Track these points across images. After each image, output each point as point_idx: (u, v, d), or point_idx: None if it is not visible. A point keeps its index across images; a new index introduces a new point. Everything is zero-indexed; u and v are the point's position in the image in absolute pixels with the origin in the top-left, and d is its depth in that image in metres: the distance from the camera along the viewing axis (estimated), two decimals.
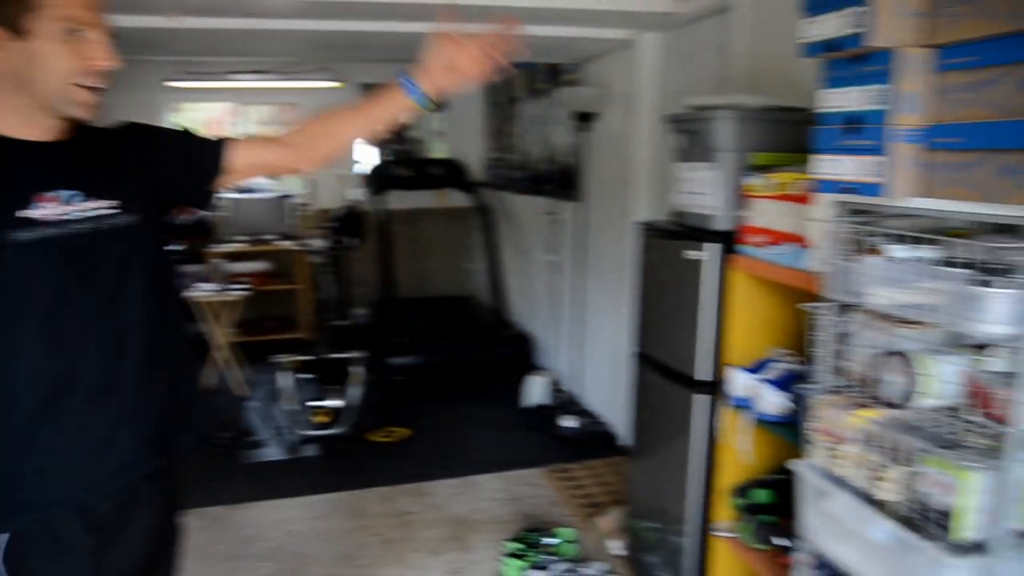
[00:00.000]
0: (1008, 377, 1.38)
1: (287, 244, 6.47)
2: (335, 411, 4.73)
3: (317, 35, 3.61)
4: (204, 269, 5.88)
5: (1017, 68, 1.24)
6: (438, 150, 7.62)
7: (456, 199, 7.04)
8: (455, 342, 5.77)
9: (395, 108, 1.60)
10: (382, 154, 7.90)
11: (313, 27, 3.59)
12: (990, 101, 1.29)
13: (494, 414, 5.18)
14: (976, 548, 1.44)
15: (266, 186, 7.58)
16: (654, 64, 3.93)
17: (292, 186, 7.25)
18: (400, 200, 6.81)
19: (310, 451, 4.49)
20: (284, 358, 4.82)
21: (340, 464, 4.35)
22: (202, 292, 5.24)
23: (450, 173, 6.43)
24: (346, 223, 5.58)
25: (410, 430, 4.83)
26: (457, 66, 1.55)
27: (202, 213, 6.76)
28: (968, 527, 1.42)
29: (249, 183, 7.52)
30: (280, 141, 1.67)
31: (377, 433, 4.76)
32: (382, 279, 5.82)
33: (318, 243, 5.20)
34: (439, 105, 1.56)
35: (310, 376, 5.30)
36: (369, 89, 6.93)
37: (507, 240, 6.60)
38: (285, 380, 4.69)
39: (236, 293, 5.31)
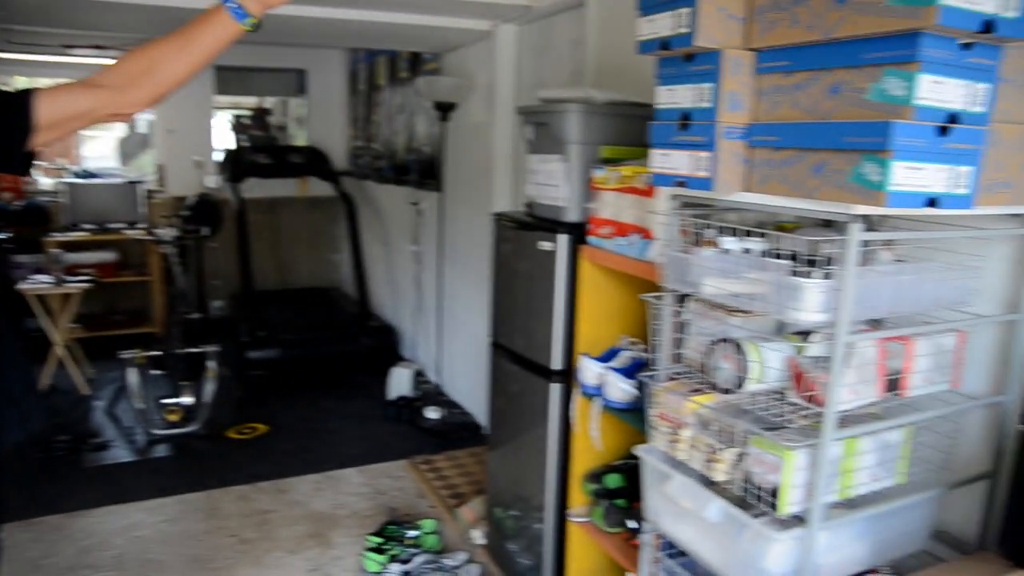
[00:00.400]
0: (824, 362, 1.48)
1: (136, 233, 6.11)
2: (188, 408, 4.52)
3: (160, 11, 3.39)
4: (40, 259, 5.47)
5: (824, 73, 1.33)
6: (299, 137, 7.41)
7: (318, 188, 6.87)
8: (317, 334, 5.64)
9: (216, 30, 1.46)
10: (239, 140, 7.61)
11: (156, 2, 3.37)
12: (802, 103, 1.37)
13: (358, 407, 5.11)
14: (798, 521, 1.55)
15: (114, 171, 7.16)
16: (512, 56, 3.96)
17: (143, 172, 6.87)
18: (260, 188, 6.57)
19: (161, 451, 4.28)
20: (133, 354, 4.56)
21: (194, 464, 4.16)
22: (37, 284, 4.87)
23: (311, 161, 6.25)
24: (200, 211, 5.31)
25: (269, 426, 4.69)
26: None
27: (38, 199, 6.30)
28: (791, 502, 1.52)
29: (95, 168, 7.13)
30: (94, 83, 1.48)
31: (235, 430, 4.59)
32: (240, 270, 5.61)
33: (169, 232, 4.92)
34: (259, 24, 1.45)
35: (162, 372, 5.06)
36: (223, 72, 6.67)
37: (371, 230, 6.50)
38: (134, 377, 4.44)
39: (76, 285, 4.96)
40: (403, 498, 3.84)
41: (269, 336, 5.39)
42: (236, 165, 5.91)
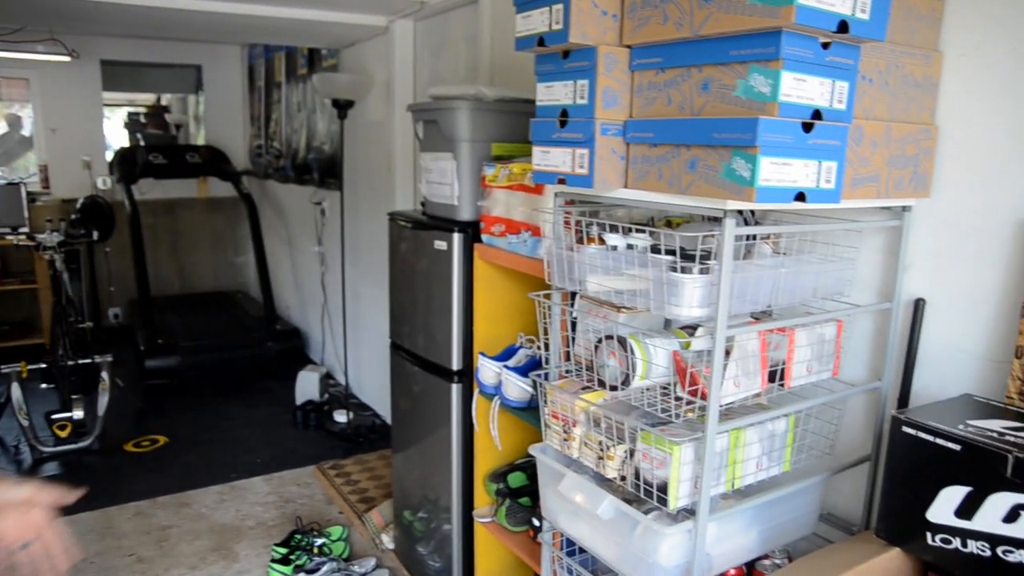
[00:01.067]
0: (708, 356, 1.49)
1: (18, 238, 5.77)
2: (80, 423, 4.31)
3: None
4: None
5: (695, 70, 1.34)
6: (197, 136, 7.16)
7: (219, 188, 6.67)
8: (221, 340, 5.47)
9: None
10: (135, 138, 7.30)
11: None
12: (675, 100, 1.38)
13: (264, 414, 4.97)
14: (687, 514, 1.56)
15: None
16: (408, 52, 3.91)
17: (24, 173, 6.50)
18: (157, 189, 6.33)
19: (50, 470, 4.06)
20: (16, 367, 4.30)
21: (87, 481, 3.95)
22: None
23: (210, 160, 6.05)
24: (90, 215, 5.05)
25: (169, 437, 4.52)
26: None
27: None
28: (680, 496, 1.53)
29: None
30: None
31: (132, 443, 4.40)
32: (136, 275, 5.37)
33: (54, 237, 4.66)
34: None
35: (50, 386, 4.80)
36: (110, 67, 6.36)
37: (274, 231, 6.34)
38: (18, 391, 4.19)
39: None
40: (311, 505, 3.75)
41: (169, 343, 5.20)
42: (129, 165, 5.67)
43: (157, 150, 5.97)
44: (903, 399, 1.77)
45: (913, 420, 1.45)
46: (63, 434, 4.24)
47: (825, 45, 1.25)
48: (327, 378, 5.19)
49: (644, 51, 1.42)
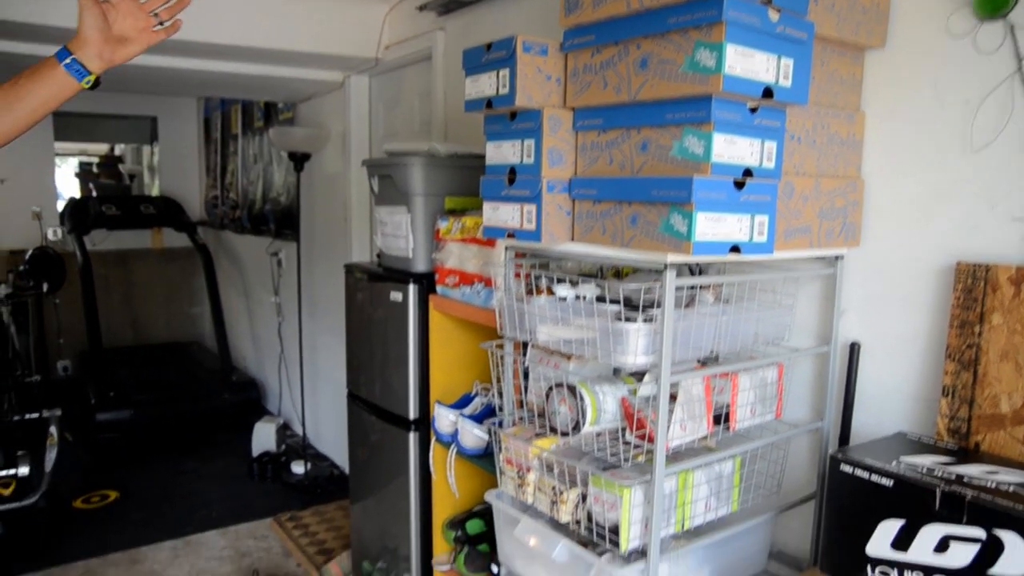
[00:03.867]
0: (655, 401, 1.56)
1: None
2: (24, 480, 4.19)
3: None
4: None
5: (634, 132, 1.42)
6: (155, 186, 7.13)
7: (173, 239, 6.63)
8: (175, 392, 5.39)
9: (51, 87, 1.30)
10: (88, 189, 7.24)
11: None
12: (616, 159, 1.46)
13: (220, 466, 4.90)
14: (639, 555, 1.61)
15: None
16: (364, 107, 3.99)
17: None
18: (111, 240, 6.27)
19: None
20: None
21: (31, 541, 3.85)
22: None
23: (164, 211, 6.02)
24: (39, 266, 4.99)
25: (120, 492, 4.43)
26: (116, 30, 1.33)
27: None
28: (631, 538, 1.57)
29: None
30: None
31: (81, 499, 4.29)
32: (87, 327, 5.29)
33: (2, 290, 4.59)
34: (99, 81, 1.32)
35: None
36: (62, 117, 6.32)
37: (230, 282, 6.31)
38: None
39: None
40: (268, 558, 3.70)
41: (120, 396, 5.11)
42: (81, 216, 5.62)
43: (110, 201, 5.93)
44: (844, 437, 1.85)
45: (850, 458, 1.52)
46: (7, 492, 4.12)
47: (753, 109, 1.35)
48: (284, 429, 5.14)
49: (586, 113, 1.51)
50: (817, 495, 1.91)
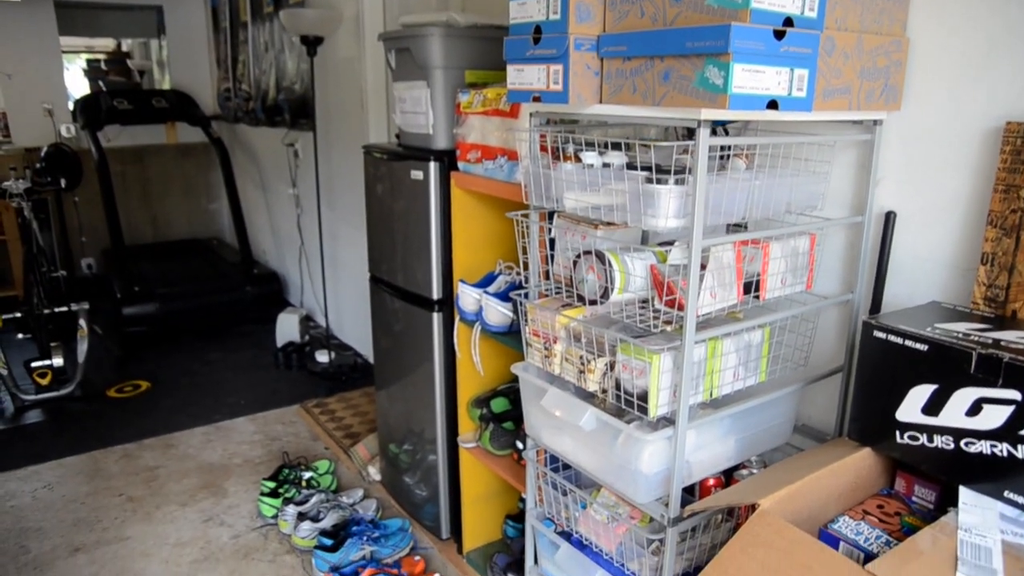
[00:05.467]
0: (683, 270, 1.53)
1: None
2: (60, 370, 4.30)
3: None
4: None
5: None
6: (162, 82, 7.00)
7: (188, 134, 6.56)
8: (197, 286, 5.45)
9: None
10: (95, 85, 7.12)
11: None
12: (647, 11, 1.38)
13: (246, 357, 4.99)
14: (667, 422, 1.61)
15: None
16: None
17: None
18: (125, 137, 6.22)
19: (33, 417, 4.06)
20: None
21: (72, 426, 3.97)
22: None
23: (176, 105, 5.93)
24: (55, 163, 4.96)
25: (152, 382, 4.54)
26: None
27: None
28: (660, 405, 1.57)
29: None
30: None
31: (114, 389, 4.41)
32: (108, 224, 5.30)
33: (21, 184, 4.57)
34: None
35: (27, 335, 4.78)
36: (65, 9, 6.15)
37: (247, 176, 6.27)
38: None
39: None
40: (297, 442, 3.80)
41: (145, 291, 5.17)
42: (93, 111, 5.55)
43: (122, 95, 5.83)
44: (875, 309, 1.82)
45: (883, 324, 1.50)
46: (44, 382, 4.24)
47: None
48: (307, 320, 5.20)
49: None
50: (844, 368, 1.90)
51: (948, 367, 1.39)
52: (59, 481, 3.43)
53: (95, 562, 2.84)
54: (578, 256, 1.64)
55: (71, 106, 6.21)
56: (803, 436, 2.03)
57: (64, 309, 4.41)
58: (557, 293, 1.80)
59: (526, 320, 1.82)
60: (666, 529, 1.63)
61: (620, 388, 1.61)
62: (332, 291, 5.03)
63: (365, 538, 2.78)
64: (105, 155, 5.28)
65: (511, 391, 2.59)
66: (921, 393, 1.45)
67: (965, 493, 1.40)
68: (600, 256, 1.58)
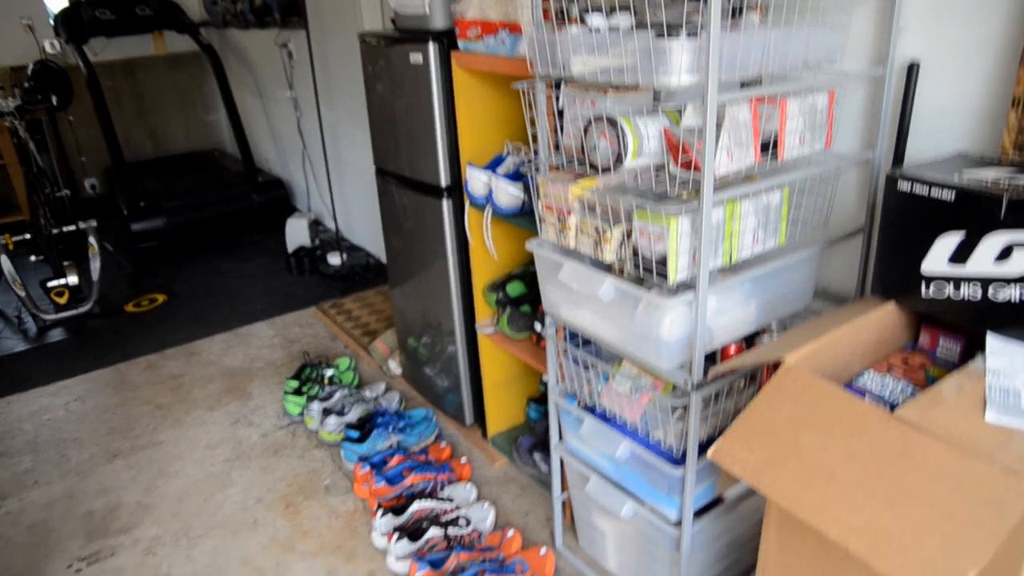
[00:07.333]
0: (698, 134, 1.47)
1: None
2: (76, 288, 4.32)
3: None
4: None
5: None
6: None
7: (177, 43, 6.36)
8: (203, 198, 5.40)
9: None
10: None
11: None
12: None
13: (257, 265, 5.00)
14: (686, 287, 1.59)
15: None
16: None
17: None
18: (112, 50, 6.04)
19: (56, 335, 4.10)
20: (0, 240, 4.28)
21: (94, 342, 4.02)
22: None
23: (161, 12, 5.72)
24: (44, 80, 4.84)
25: (168, 295, 4.56)
26: None
27: None
28: (680, 269, 1.55)
29: None
30: None
31: (132, 304, 4.44)
32: (106, 141, 5.21)
33: (11, 103, 4.47)
34: None
35: (39, 257, 4.79)
36: None
37: (242, 83, 6.11)
38: (7, 264, 4.17)
39: None
40: (316, 343, 3.84)
41: (151, 206, 5.13)
42: (75, 24, 5.37)
43: (103, 5, 5.62)
44: (897, 166, 1.77)
45: (908, 175, 1.46)
46: (62, 300, 4.27)
47: None
48: (316, 224, 5.17)
49: None
50: (865, 228, 1.86)
51: (977, 214, 1.35)
52: (88, 394, 3.50)
53: (133, 467, 2.92)
54: (588, 124, 1.58)
55: (52, 21, 6.00)
56: (823, 300, 2.01)
57: (72, 228, 4.40)
58: (569, 165, 1.75)
59: (538, 195, 1.78)
60: (690, 395, 1.63)
61: (638, 255, 1.58)
62: (339, 193, 4.97)
63: (391, 428, 2.83)
64: (94, 70, 5.14)
65: (526, 274, 2.57)
66: (948, 243, 1.42)
67: (992, 340, 1.39)
68: (612, 121, 1.52)
